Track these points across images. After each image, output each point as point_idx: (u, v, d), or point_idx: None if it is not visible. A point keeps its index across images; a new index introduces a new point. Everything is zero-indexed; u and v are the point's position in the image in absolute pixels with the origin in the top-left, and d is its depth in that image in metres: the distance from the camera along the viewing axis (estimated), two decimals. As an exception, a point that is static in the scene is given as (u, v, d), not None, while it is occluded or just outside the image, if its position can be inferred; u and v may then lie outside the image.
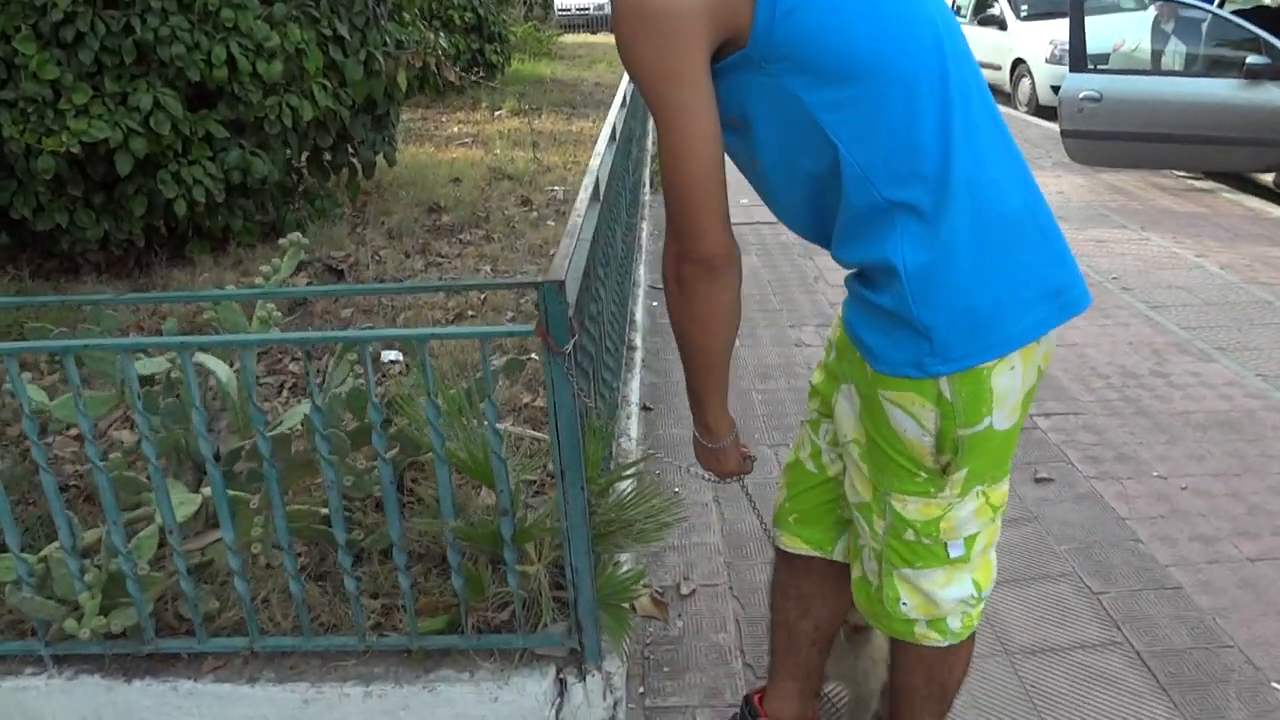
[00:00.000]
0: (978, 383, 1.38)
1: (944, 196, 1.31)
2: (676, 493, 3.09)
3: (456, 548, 2.02)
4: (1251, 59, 6.75)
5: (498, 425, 1.92)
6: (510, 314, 4.18)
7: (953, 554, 1.52)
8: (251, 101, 4.54)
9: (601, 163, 2.96)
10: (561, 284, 1.79)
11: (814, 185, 1.39)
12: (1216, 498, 3.11)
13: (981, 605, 1.62)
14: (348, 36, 4.89)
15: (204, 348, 2.08)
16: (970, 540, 1.53)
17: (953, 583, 1.55)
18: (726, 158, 1.36)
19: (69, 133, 4.15)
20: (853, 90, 1.27)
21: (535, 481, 2.66)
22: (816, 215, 1.44)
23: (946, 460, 1.45)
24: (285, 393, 3.70)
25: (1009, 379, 1.40)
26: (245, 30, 4.41)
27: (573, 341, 1.82)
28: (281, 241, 2.82)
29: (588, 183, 2.66)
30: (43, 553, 2.34)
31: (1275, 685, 2.29)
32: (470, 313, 4.15)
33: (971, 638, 1.70)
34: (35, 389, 2.74)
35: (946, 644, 1.62)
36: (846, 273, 1.50)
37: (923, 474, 1.47)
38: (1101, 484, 3.20)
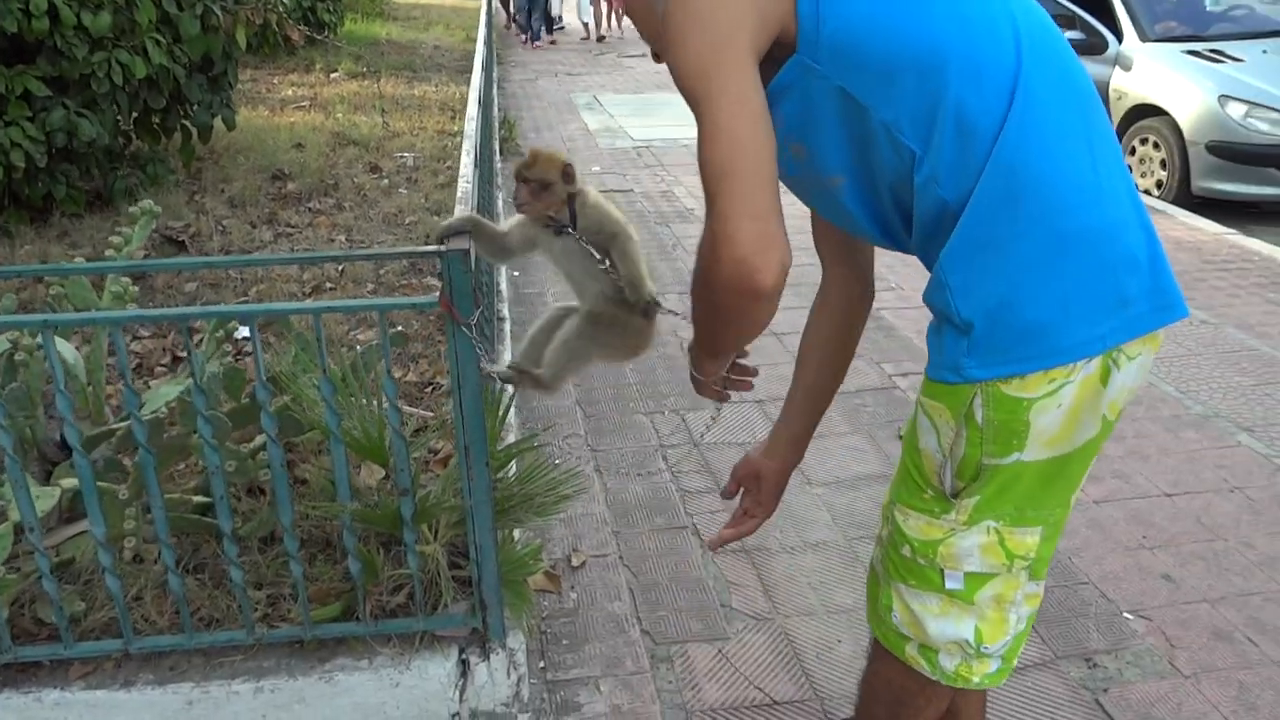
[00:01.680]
0: (1014, 413, 1.26)
1: (999, 189, 1.22)
2: (557, 464, 3.07)
3: (354, 531, 1.94)
4: (1068, 34, 7.17)
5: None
6: (370, 285, 4.03)
7: (949, 584, 1.38)
8: (76, 57, 4.18)
9: (477, 129, 2.87)
10: (466, 253, 1.73)
11: (896, 198, 1.31)
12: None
13: (987, 665, 1.43)
14: (182, -12, 4.56)
15: (64, 326, 1.91)
16: (974, 580, 1.37)
17: (948, 617, 1.40)
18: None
19: None
20: (907, 83, 1.20)
21: (420, 459, 2.59)
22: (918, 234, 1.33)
23: (960, 487, 1.34)
24: (132, 373, 3.45)
25: (1052, 418, 1.26)
26: (68, -22, 4.04)
27: (478, 313, 1.76)
28: (132, 209, 2.62)
29: (468, 148, 2.58)
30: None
31: (1128, 615, 2.48)
32: (329, 285, 3.98)
33: (955, 698, 1.59)
34: None
35: (933, 677, 1.45)
36: None
37: (929, 491, 1.37)
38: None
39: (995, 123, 1.20)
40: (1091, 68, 7.06)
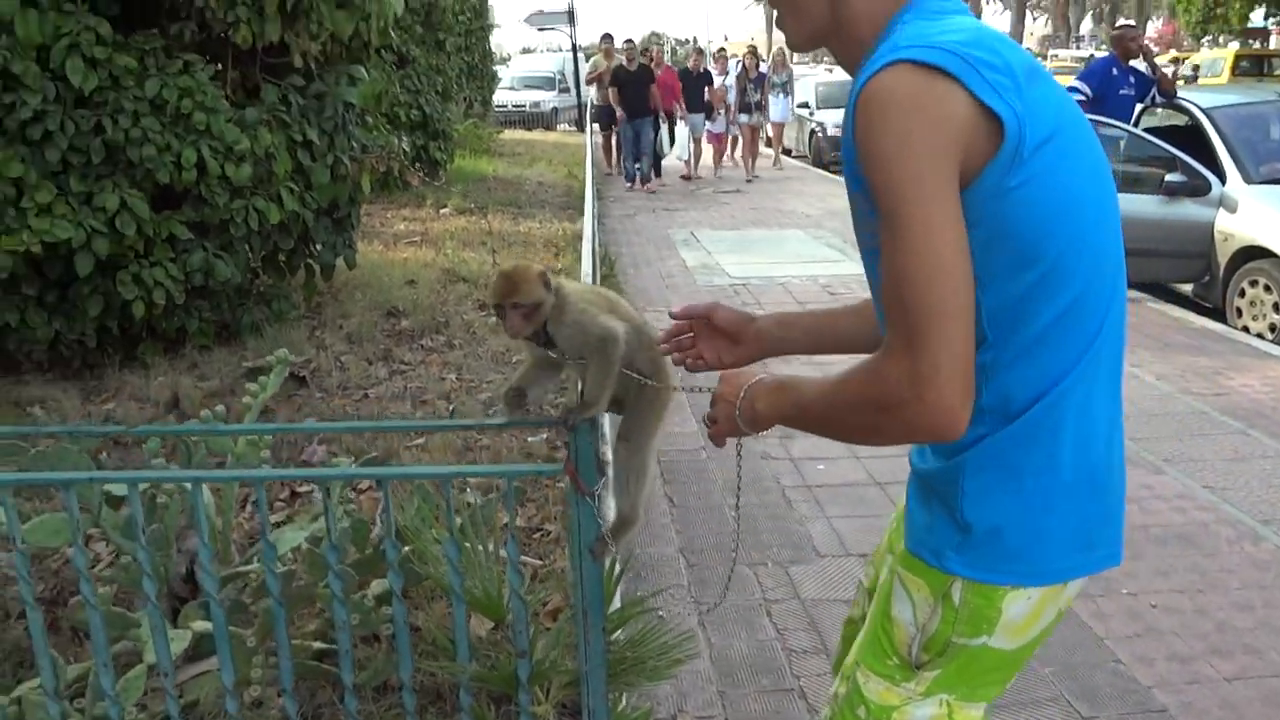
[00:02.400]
0: (989, 600, 1.33)
1: (1045, 403, 1.28)
2: (661, 616, 3.06)
3: (470, 690, 1.97)
4: (1170, 177, 7.15)
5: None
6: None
7: None
8: (218, 204, 4.50)
9: (595, 269, 2.98)
10: (594, 423, 1.79)
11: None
12: (1186, 615, 3.18)
13: None
14: (316, 141, 4.91)
15: (213, 481, 2.02)
16: None
17: None
18: None
19: (30, 232, 4.06)
20: (1024, 277, 1.22)
21: (534, 613, 2.62)
22: None
23: (925, 660, 1.39)
24: (249, 507, 3.59)
25: (1022, 607, 1.34)
26: (216, 133, 4.39)
27: (602, 482, 1.81)
28: (268, 359, 2.78)
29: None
30: (15, 693, 2.22)
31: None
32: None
33: None
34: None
35: None
36: None
37: (894, 659, 1.41)
38: (1076, 602, 3.25)
39: (1063, 366, 1.26)
40: (1195, 210, 7.02)
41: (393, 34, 5.53)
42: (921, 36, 1.18)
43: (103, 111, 4.26)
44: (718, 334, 1.69)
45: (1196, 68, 23.51)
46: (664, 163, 15.12)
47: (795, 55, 19.78)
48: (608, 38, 15.54)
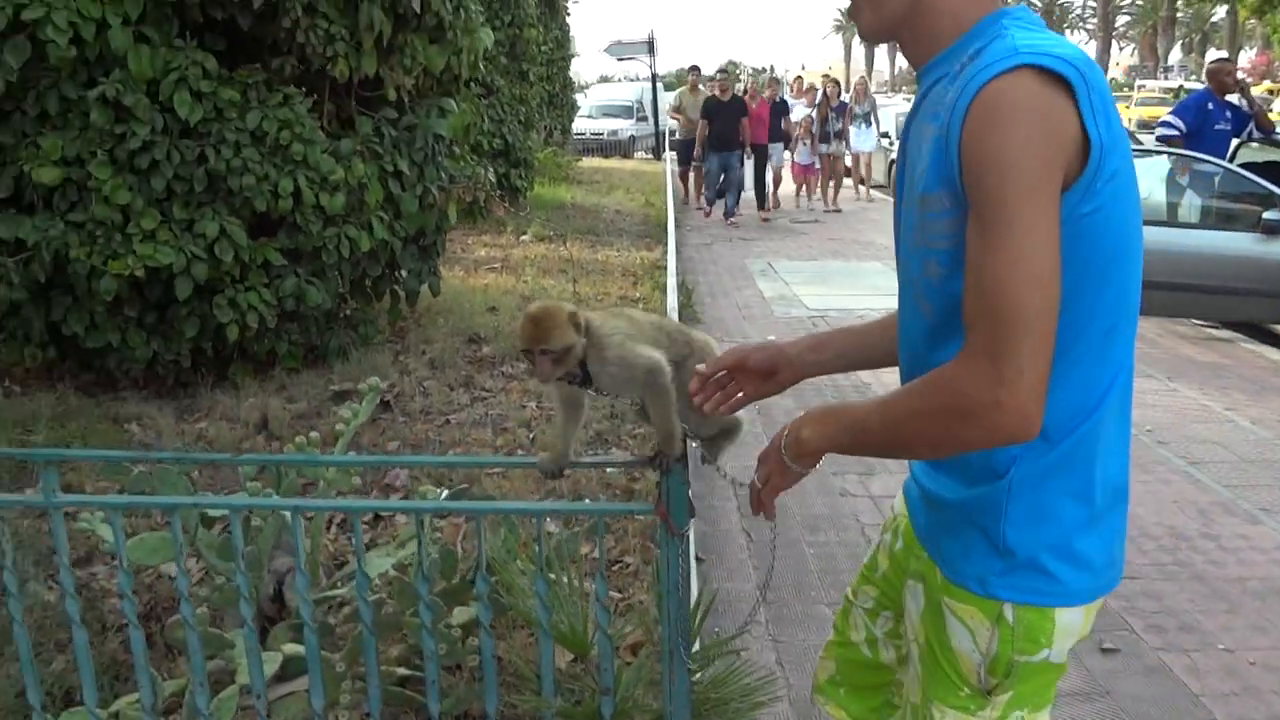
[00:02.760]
0: (1044, 615, 1.34)
1: (1084, 429, 1.30)
2: (742, 654, 3.03)
3: (553, 725, 1.98)
4: (1268, 214, 6.94)
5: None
6: (559, 453, 4.18)
7: None
8: (311, 231, 4.64)
9: (677, 303, 2.99)
10: (685, 465, 1.79)
11: (944, 340, 1.33)
12: (1286, 675, 3.06)
13: None
14: (407, 171, 5.04)
15: (312, 510, 2.07)
16: None
17: None
18: None
19: (134, 256, 4.23)
20: (1082, 301, 1.23)
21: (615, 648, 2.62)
22: (915, 375, 1.36)
23: (994, 684, 1.39)
24: (334, 528, 3.67)
25: (1074, 616, 1.36)
26: (313, 164, 4.53)
27: (691, 523, 1.81)
28: (361, 386, 2.85)
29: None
30: (113, 708, 2.29)
31: None
32: (520, 451, 4.15)
33: None
34: (101, 523, 2.74)
35: None
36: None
37: (965, 689, 1.41)
38: (1169, 656, 3.15)
39: (1100, 392, 1.29)
40: (1295, 249, 6.77)
41: (481, 67, 5.64)
42: (1040, 46, 1.17)
43: (206, 142, 4.43)
44: (751, 372, 1.67)
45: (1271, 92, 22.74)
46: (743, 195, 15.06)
47: (874, 84, 19.60)
48: (695, 70, 15.30)
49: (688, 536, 1.80)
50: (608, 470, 3.91)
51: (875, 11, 1.36)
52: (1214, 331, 7.81)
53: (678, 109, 14.74)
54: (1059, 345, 1.21)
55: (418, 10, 4.93)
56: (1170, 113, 8.51)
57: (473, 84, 7.38)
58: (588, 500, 3.58)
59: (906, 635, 1.57)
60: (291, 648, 2.41)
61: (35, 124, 4.40)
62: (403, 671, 2.47)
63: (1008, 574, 1.33)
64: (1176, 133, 8.19)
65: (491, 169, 8.86)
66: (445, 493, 3.40)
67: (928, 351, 1.35)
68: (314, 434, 2.59)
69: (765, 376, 1.67)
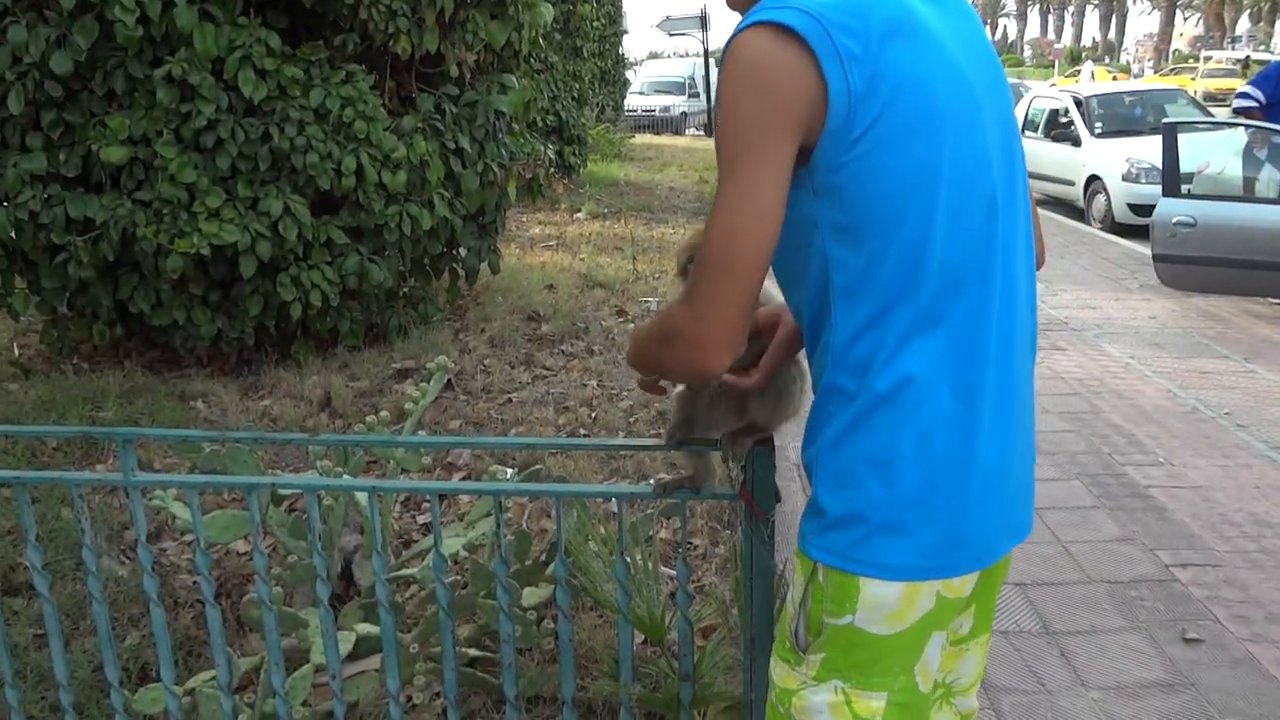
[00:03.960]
0: (850, 580, 1.30)
1: (885, 389, 1.25)
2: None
3: (631, 710, 1.94)
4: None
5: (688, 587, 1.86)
6: (622, 432, 4.14)
7: None
8: (374, 210, 4.64)
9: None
10: (772, 444, 1.73)
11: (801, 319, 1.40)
12: (1383, 669, 2.93)
13: None
14: (468, 149, 5.01)
15: (389, 491, 2.05)
16: None
17: None
18: None
19: (200, 235, 4.25)
20: (871, 250, 1.22)
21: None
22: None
23: (808, 641, 1.38)
24: (398, 506, 3.67)
25: (884, 590, 1.30)
26: (375, 141, 4.52)
27: (777, 507, 1.76)
28: (429, 365, 2.83)
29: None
30: (189, 685, 2.30)
31: None
32: (582, 430, 4.12)
33: None
34: (175, 501, 2.75)
35: None
36: None
37: (789, 642, 1.42)
38: (1256, 647, 3.04)
39: (919, 348, 1.25)
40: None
41: (540, 42, 5.59)
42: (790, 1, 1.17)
43: (270, 120, 4.43)
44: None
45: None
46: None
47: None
48: None
49: (773, 521, 1.74)
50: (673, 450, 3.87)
51: None
52: (1292, 311, 7.56)
53: None
54: (856, 298, 1.24)
55: (479, -15, 4.90)
56: (1248, 83, 8.22)
57: (531, 60, 7.34)
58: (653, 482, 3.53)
59: None
60: (364, 627, 2.40)
61: (102, 103, 4.44)
62: (474, 652, 2.45)
63: (819, 534, 1.33)
64: (1255, 104, 7.90)
65: (549, 146, 8.83)
66: (510, 472, 3.39)
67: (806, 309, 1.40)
68: (383, 414, 2.58)
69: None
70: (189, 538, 3.31)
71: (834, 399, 1.30)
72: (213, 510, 2.83)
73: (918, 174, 1.20)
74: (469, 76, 5.15)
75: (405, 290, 5.63)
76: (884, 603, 1.31)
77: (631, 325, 5.91)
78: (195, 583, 3.11)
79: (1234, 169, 7.80)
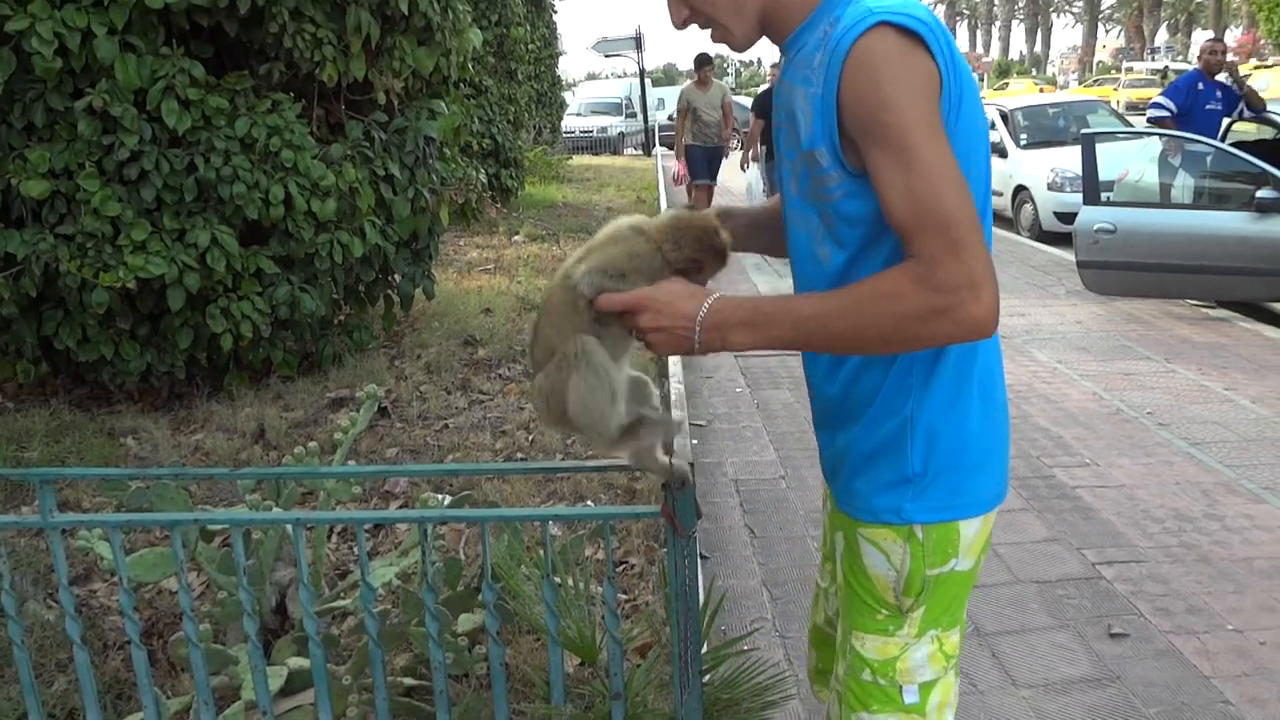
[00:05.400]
0: (951, 528, 1.45)
1: (963, 352, 1.41)
2: (755, 657, 3.01)
3: (565, 731, 1.96)
4: (1262, 193, 6.92)
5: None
6: (560, 454, 4.15)
7: (907, 699, 1.51)
8: (304, 238, 4.61)
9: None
10: (691, 465, 1.77)
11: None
12: (1297, 655, 3.05)
13: None
14: (398, 175, 5.00)
15: (314, 524, 2.04)
16: (926, 689, 1.51)
17: None
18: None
19: (126, 268, 4.19)
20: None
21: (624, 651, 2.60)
22: None
23: (910, 602, 1.48)
24: (335, 537, 3.64)
25: (975, 526, 1.47)
26: (303, 170, 4.50)
27: (698, 524, 1.79)
28: (360, 395, 2.82)
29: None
30: (119, 727, 2.26)
31: None
32: (519, 454, 4.12)
33: None
34: (100, 541, 2.71)
35: None
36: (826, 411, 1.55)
37: (884, 611, 1.49)
38: (1178, 639, 3.14)
39: None
40: (1289, 227, 6.77)
41: (470, 67, 5.61)
42: (891, 5, 1.27)
43: (195, 151, 4.39)
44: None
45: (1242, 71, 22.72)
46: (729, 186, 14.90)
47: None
48: (705, 62, 10.43)
49: (695, 537, 1.77)
50: (609, 471, 3.89)
51: (740, 17, 1.43)
52: (1210, 311, 7.80)
53: (686, 110, 10.26)
54: None
55: (405, 12, 4.90)
56: (1161, 94, 8.51)
57: (462, 85, 7.35)
58: (590, 503, 3.55)
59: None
60: (296, 661, 2.38)
61: (21, 137, 4.36)
62: (409, 681, 2.44)
63: (917, 497, 1.42)
64: (1167, 114, 8.18)
65: (482, 170, 8.84)
66: (447, 499, 3.38)
67: None
68: (312, 444, 2.56)
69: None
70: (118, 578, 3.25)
71: (914, 370, 1.40)
72: (143, 549, 2.78)
73: (981, 152, 1.37)
74: (398, 103, 5.15)
75: (339, 318, 5.59)
76: (974, 538, 1.47)
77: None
78: (116, 620, 3.06)
79: (1151, 176, 8.08)
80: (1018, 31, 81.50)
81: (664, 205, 7.44)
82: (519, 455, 4.12)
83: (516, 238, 10.15)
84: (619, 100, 27.48)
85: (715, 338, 1.36)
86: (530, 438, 4.25)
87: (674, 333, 1.38)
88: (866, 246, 1.38)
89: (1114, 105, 20.37)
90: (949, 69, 1.30)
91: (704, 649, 2.19)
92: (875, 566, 1.48)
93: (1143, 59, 51.50)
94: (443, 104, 5.47)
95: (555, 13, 16.79)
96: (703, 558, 3.67)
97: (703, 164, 10.38)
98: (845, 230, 1.38)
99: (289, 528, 2.61)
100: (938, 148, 1.25)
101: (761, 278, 9.38)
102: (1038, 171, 11.80)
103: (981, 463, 1.46)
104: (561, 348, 1.49)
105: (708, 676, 2.11)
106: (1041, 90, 35.01)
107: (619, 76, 33.10)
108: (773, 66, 13.27)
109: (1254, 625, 3.21)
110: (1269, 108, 8.25)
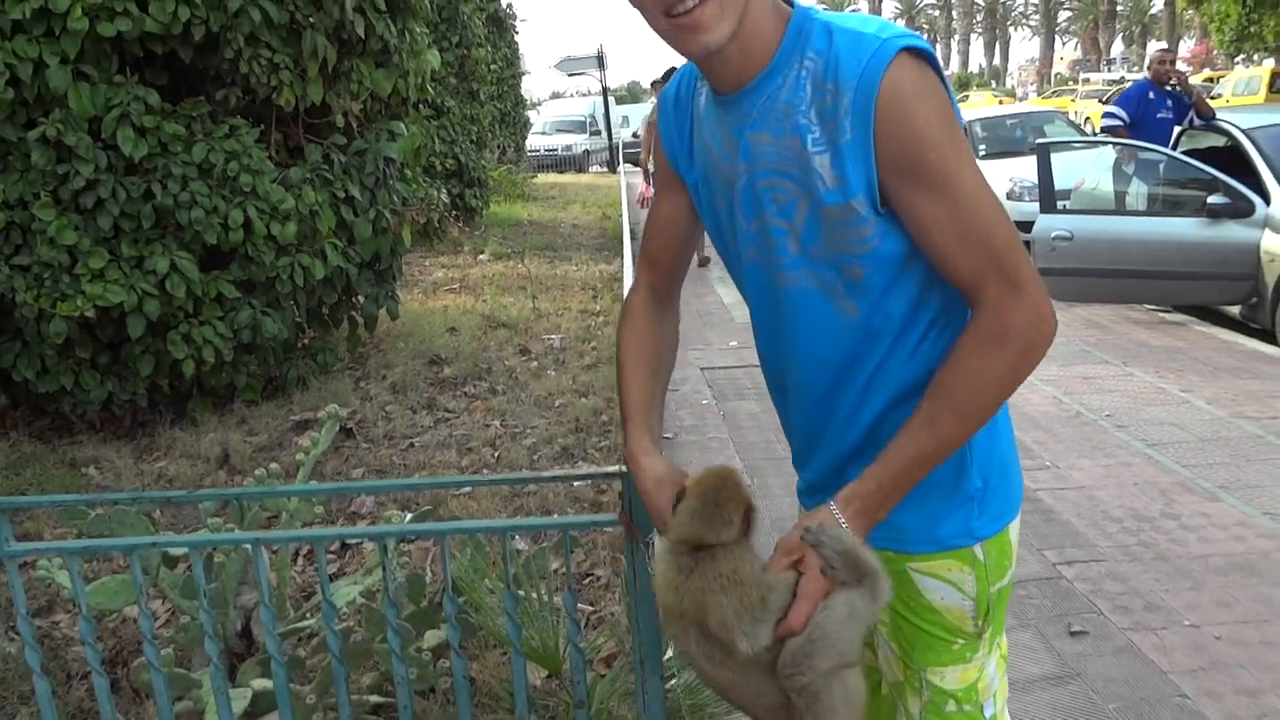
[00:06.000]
0: (1002, 538, 1.45)
1: None
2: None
3: (529, 742, 1.97)
4: (1212, 199, 7.07)
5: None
6: (525, 469, 4.17)
7: (986, 714, 1.52)
8: (264, 262, 4.60)
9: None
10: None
11: (880, 333, 1.36)
12: (1252, 646, 3.11)
13: None
14: (359, 197, 5.01)
15: (274, 543, 2.05)
16: (998, 697, 1.54)
17: None
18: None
19: (84, 297, 4.17)
20: None
21: (589, 660, 2.61)
22: (848, 373, 1.39)
23: (983, 624, 1.47)
24: (300, 559, 3.63)
25: (1016, 526, 1.49)
26: (262, 194, 4.50)
27: (655, 530, 1.81)
28: (320, 414, 2.83)
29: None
30: (82, 755, 2.24)
31: None
32: (485, 470, 4.13)
33: None
34: (60, 570, 2.69)
35: None
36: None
37: (959, 640, 1.47)
38: (1137, 635, 3.20)
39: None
40: (1239, 231, 6.93)
41: (429, 89, 5.63)
42: (887, 28, 1.26)
43: (152, 177, 4.38)
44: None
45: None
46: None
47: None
48: (672, 73, 12.15)
49: (653, 543, 1.79)
50: (575, 485, 3.91)
51: (733, 9, 1.24)
52: (1166, 316, 7.95)
53: (655, 124, 10.28)
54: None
55: (362, 35, 4.92)
56: (1113, 103, 8.69)
57: (422, 106, 7.37)
58: (555, 515, 3.57)
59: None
60: (261, 683, 2.38)
61: (-25, 168, 4.34)
62: (376, 699, 2.44)
63: (980, 514, 1.42)
64: (1120, 123, 8.35)
65: (445, 190, 8.85)
66: (410, 516, 3.38)
67: (868, 350, 1.38)
68: (274, 465, 2.56)
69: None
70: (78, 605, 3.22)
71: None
72: (105, 578, 2.76)
73: None
74: (357, 125, 5.16)
75: (303, 341, 5.58)
76: (1015, 539, 1.49)
77: (535, 364, 5.94)
78: (77, 650, 3.03)
79: (1106, 184, 8.23)
80: (976, 45, 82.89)
81: (626, 222, 7.50)
82: (485, 471, 4.13)
83: (482, 256, 10.17)
84: (583, 118, 27.60)
85: (865, 523, 1.31)
86: (496, 454, 4.26)
87: (816, 580, 1.28)
88: (890, 287, 1.33)
89: (1071, 116, 20.71)
90: (947, 88, 1.29)
91: (667, 655, 2.21)
92: (944, 599, 1.45)
93: (1099, 70, 52.40)
94: (402, 125, 5.49)
95: (517, 33, 16.86)
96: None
97: None
98: (874, 276, 1.32)
99: (251, 549, 2.61)
100: (974, 175, 1.25)
101: (725, 289, 9.44)
102: (997, 182, 11.96)
103: (1013, 459, 1.50)
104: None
105: (671, 682, 2.13)
106: (1001, 102, 35.60)
107: (583, 95, 33.25)
108: (653, 84, 10.13)
109: (1210, 620, 3.27)
110: (1219, 115, 8.43)
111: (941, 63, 1.32)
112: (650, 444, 1.50)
